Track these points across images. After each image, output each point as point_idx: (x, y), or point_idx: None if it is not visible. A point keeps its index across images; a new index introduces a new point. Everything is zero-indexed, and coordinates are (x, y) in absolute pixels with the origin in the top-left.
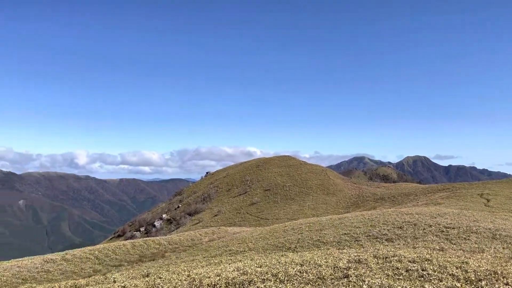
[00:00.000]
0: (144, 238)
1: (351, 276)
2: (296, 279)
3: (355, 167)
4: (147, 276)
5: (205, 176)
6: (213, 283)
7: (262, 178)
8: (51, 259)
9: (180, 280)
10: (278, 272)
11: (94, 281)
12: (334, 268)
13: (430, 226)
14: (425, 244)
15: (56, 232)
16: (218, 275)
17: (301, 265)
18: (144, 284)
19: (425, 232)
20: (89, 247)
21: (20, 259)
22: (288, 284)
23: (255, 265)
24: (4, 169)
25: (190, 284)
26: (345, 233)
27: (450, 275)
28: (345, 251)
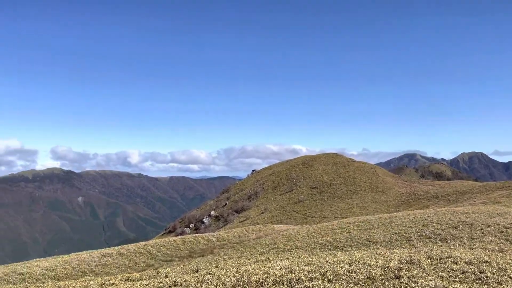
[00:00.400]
0: (194, 235)
1: (403, 277)
2: (345, 279)
3: (406, 164)
4: (197, 271)
5: (251, 174)
6: (260, 280)
7: (308, 176)
8: (108, 253)
9: (229, 276)
10: (326, 271)
11: (147, 275)
12: (385, 268)
13: (489, 226)
14: (482, 245)
15: (112, 227)
16: (265, 273)
17: (350, 265)
18: (194, 279)
19: (482, 233)
20: (142, 242)
21: (80, 253)
22: (337, 284)
23: (303, 263)
24: (64, 168)
25: (238, 281)
26: (395, 233)
27: (510, 278)
28: (396, 251)
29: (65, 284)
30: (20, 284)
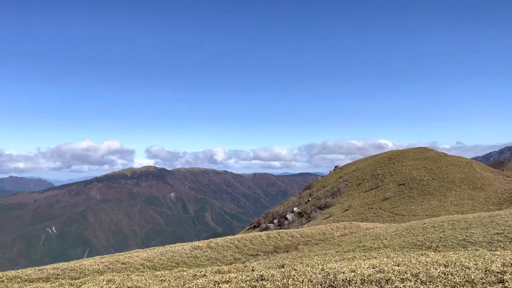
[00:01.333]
0: (278, 230)
1: (507, 282)
2: (440, 281)
3: (508, 158)
4: (283, 267)
5: (334, 170)
6: (348, 279)
7: (395, 172)
8: (198, 246)
9: (314, 273)
10: (419, 272)
11: (235, 268)
12: (486, 271)
13: None
14: None
15: (201, 221)
16: (352, 271)
17: (445, 266)
18: (280, 274)
19: None
20: (229, 237)
21: (173, 245)
22: (431, 286)
23: (392, 263)
24: (158, 166)
25: (324, 278)
26: (497, 233)
27: None
28: (498, 253)
29: (161, 273)
30: (123, 272)
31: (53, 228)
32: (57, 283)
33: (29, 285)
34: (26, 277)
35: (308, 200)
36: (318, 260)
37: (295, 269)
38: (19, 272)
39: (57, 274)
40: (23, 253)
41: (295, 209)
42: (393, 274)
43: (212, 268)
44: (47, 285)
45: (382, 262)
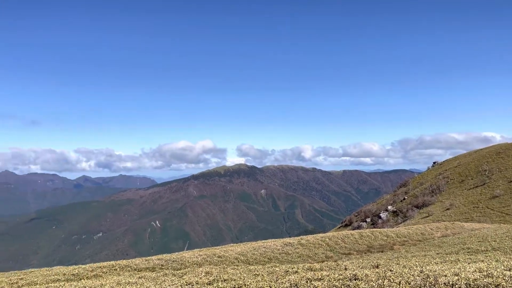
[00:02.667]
0: (371, 229)
1: None
2: None
3: None
4: (377, 267)
5: (432, 166)
6: (450, 283)
7: (504, 167)
8: (289, 243)
9: (413, 275)
10: None
11: (327, 267)
12: None
13: None
14: None
15: (292, 218)
16: (456, 275)
17: None
18: (375, 275)
19: None
20: (320, 234)
21: (265, 240)
22: None
23: (503, 267)
24: (248, 164)
25: (424, 281)
26: None
27: None
28: None
29: (255, 268)
30: (219, 265)
31: (157, 222)
32: (161, 273)
33: (138, 273)
34: (135, 266)
35: (404, 198)
36: (416, 261)
37: (391, 270)
38: (129, 262)
39: (162, 265)
40: (132, 244)
41: (389, 207)
42: (504, 280)
43: (303, 265)
44: (153, 274)
45: (491, 266)
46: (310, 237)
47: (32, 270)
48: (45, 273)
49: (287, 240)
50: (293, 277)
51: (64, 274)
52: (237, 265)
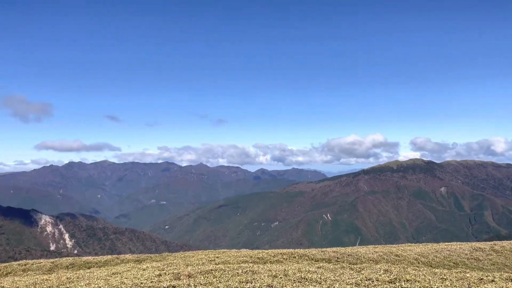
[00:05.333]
0: None
1: None
2: None
3: None
4: None
5: None
6: None
7: None
8: (479, 248)
9: None
10: None
11: None
12: None
13: None
14: None
15: (479, 220)
16: None
17: None
18: None
19: None
20: None
21: (449, 243)
22: None
23: None
24: (424, 158)
25: None
26: None
27: None
28: None
29: (440, 271)
30: (398, 264)
31: (328, 215)
32: (338, 265)
33: (315, 263)
34: (312, 256)
35: None
36: None
37: None
38: (306, 251)
39: (337, 257)
40: (305, 234)
41: None
42: None
43: (501, 274)
44: (331, 266)
45: None
46: (505, 243)
47: (224, 250)
48: (235, 254)
49: (476, 244)
50: (489, 286)
51: (251, 257)
52: (418, 266)
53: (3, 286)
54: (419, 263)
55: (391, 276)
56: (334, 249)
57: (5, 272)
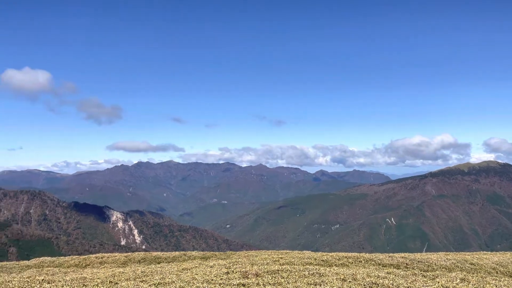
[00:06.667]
0: None
1: None
2: None
3: None
4: None
5: None
6: None
7: None
8: None
9: None
10: None
11: None
12: None
13: None
14: None
15: None
16: None
17: None
18: None
19: None
20: None
21: None
22: None
23: None
24: (499, 160)
25: None
26: None
27: None
28: None
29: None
30: (474, 273)
31: (392, 219)
32: (409, 272)
33: (383, 268)
34: (379, 261)
35: None
36: None
37: None
38: (372, 256)
39: (406, 264)
40: (367, 238)
41: None
42: None
43: None
44: (401, 272)
45: None
46: None
47: (287, 251)
48: (298, 256)
49: None
50: None
51: (315, 259)
52: (496, 276)
53: (85, 277)
54: (497, 272)
55: (469, 285)
56: (402, 254)
57: (84, 264)
